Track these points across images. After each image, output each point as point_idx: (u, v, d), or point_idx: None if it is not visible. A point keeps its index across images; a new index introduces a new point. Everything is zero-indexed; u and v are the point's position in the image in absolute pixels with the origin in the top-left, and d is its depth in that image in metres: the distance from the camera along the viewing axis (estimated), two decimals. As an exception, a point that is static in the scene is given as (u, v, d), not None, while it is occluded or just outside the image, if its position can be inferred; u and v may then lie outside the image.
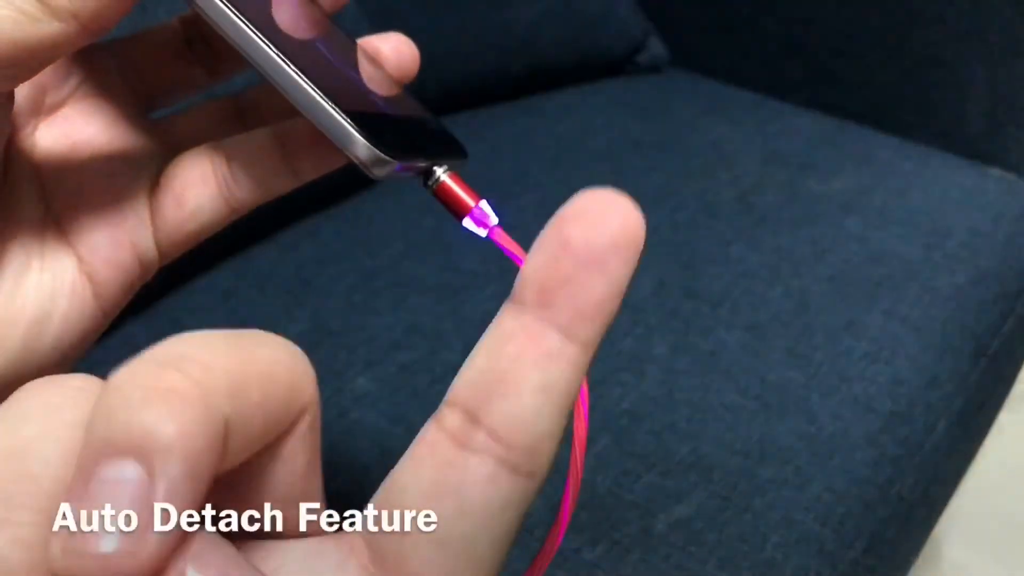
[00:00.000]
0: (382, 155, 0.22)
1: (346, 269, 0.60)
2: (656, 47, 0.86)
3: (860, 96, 0.82)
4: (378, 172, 0.22)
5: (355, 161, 0.22)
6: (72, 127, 0.24)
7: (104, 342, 0.57)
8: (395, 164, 0.22)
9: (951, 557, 0.88)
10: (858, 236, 0.64)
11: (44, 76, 0.24)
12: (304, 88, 0.22)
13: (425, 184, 0.23)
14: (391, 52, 0.26)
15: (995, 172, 0.73)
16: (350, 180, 0.67)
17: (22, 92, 0.24)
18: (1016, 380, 0.70)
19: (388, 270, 0.59)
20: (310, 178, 0.25)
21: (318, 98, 0.22)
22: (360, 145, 0.22)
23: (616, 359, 0.53)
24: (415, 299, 0.57)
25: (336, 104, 0.22)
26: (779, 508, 0.46)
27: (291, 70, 0.22)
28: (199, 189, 0.24)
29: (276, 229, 0.63)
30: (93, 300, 0.24)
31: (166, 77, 0.26)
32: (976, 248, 0.64)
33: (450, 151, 0.25)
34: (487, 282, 0.58)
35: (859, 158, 0.73)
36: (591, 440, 0.48)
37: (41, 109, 0.24)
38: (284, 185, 0.25)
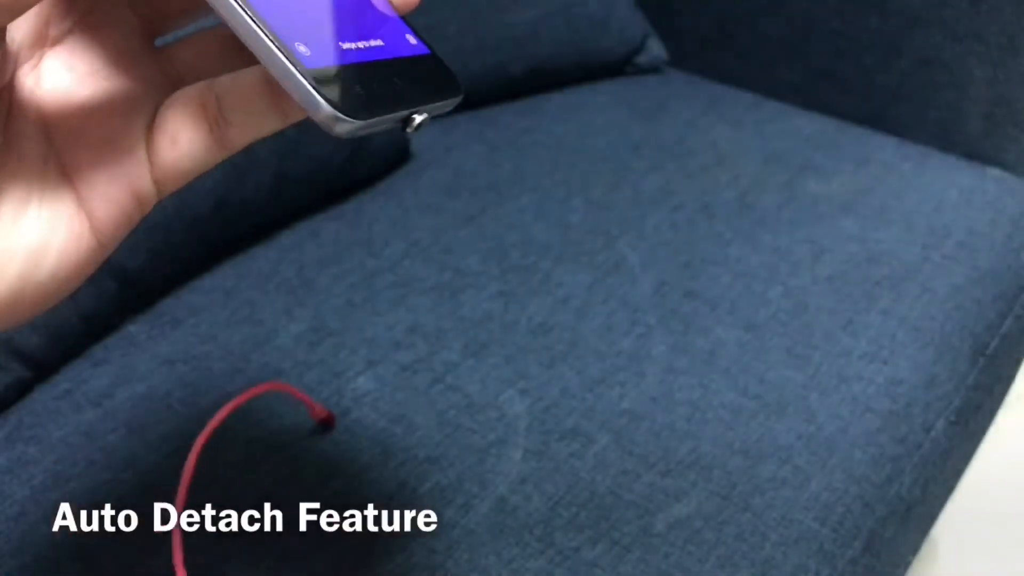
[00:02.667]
0: (343, 117, 0.21)
1: (346, 269, 0.60)
2: (655, 48, 0.86)
3: (858, 96, 0.82)
4: (340, 131, 0.21)
5: (317, 123, 0.21)
6: (75, 59, 0.24)
7: (104, 342, 0.57)
8: (357, 124, 0.21)
9: (949, 556, 0.88)
10: (857, 236, 0.64)
11: (47, 7, 0.24)
12: (265, 43, 0.21)
13: (404, 130, 0.23)
14: None
15: (993, 172, 0.73)
16: (350, 180, 0.67)
17: (26, 23, 0.23)
18: (1014, 380, 0.70)
19: (388, 270, 0.59)
20: (298, 118, 0.25)
21: (278, 54, 0.21)
22: (323, 109, 0.21)
23: (616, 359, 0.53)
24: (415, 299, 0.57)
25: (300, 62, 0.21)
26: (778, 507, 0.46)
27: (249, 19, 0.21)
28: (191, 131, 0.24)
29: (276, 229, 0.63)
30: (90, 235, 0.24)
31: (173, 1, 0.26)
32: (974, 248, 0.64)
33: (439, 91, 0.24)
34: (487, 282, 0.58)
35: (858, 158, 0.73)
36: (591, 439, 0.48)
37: (45, 41, 0.24)
38: (273, 124, 0.25)
